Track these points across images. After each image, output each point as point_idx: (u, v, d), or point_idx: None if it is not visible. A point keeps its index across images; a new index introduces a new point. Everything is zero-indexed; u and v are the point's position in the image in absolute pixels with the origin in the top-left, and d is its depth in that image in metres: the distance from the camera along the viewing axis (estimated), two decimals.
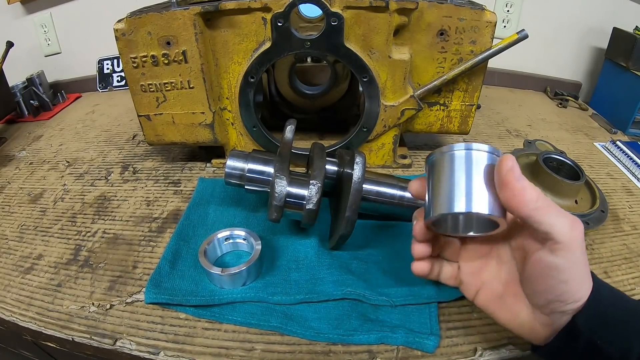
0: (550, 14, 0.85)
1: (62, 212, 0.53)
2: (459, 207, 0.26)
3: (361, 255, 0.43)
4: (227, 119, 0.55)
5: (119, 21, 0.47)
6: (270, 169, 0.43)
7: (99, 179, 0.60)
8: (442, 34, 0.49)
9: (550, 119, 0.79)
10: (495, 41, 0.49)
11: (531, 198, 0.24)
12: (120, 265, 0.44)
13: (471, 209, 0.26)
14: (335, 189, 0.46)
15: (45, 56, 1.00)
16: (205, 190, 0.54)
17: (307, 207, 0.39)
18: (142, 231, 0.48)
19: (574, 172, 0.50)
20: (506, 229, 0.28)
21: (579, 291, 0.26)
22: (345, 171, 0.41)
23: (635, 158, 0.62)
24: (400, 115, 0.53)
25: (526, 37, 0.48)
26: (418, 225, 0.31)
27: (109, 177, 0.60)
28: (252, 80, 0.50)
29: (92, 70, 0.99)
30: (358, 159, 0.38)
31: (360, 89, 0.54)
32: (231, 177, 0.43)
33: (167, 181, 0.58)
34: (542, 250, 0.26)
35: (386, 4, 0.44)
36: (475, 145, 0.26)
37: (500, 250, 0.31)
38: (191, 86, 0.50)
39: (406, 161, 0.59)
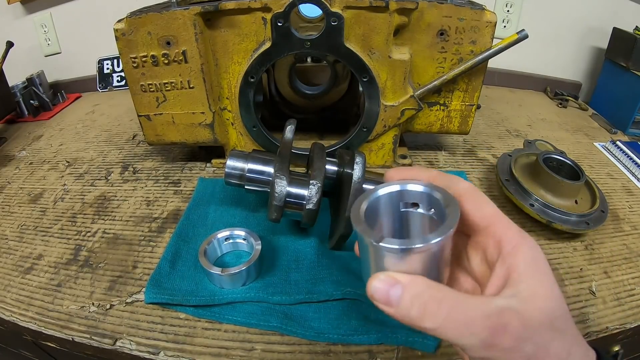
0: (550, 14, 0.85)
1: (62, 212, 0.53)
2: None
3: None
4: (227, 119, 0.55)
5: (119, 21, 0.47)
6: (270, 169, 0.43)
7: (99, 179, 0.60)
8: (442, 34, 0.49)
9: (550, 119, 0.79)
10: (495, 41, 0.49)
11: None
12: (120, 265, 0.44)
13: None
14: (335, 189, 0.46)
15: (45, 56, 1.00)
16: (205, 190, 0.54)
17: (307, 207, 0.39)
18: (142, 231, 0.48)
19: (574, 172, 0.50)
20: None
21: None
22: (345, 171, 0.41)
23: (635, 158, 0.62)
24: (400, 115, 0.53)
25: (526, 37, 0.48)
26: None
27: (109, 177, 0.60)
28: (252, 80, 0.50)
29: (92, 70, 0.99)
30: (358, 159, 0.38)
31: (360, 89, 0.54)
32: (231, 177, 0.43)
33: (167, 181, 0.58)
34: None
35: (386, 4, 0.44)
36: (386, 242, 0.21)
37: None
38: (191, 86, 0.50)
39: (406, 161, 0.59)
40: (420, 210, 0.25)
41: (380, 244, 0.21)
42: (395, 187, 0.25)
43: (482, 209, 0.23)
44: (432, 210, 0.24)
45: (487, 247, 0.23)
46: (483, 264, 0.24)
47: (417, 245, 0.20)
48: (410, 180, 0.25)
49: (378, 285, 0.21)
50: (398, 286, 0.20)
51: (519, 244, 0.21)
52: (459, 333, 0.19)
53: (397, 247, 0.20)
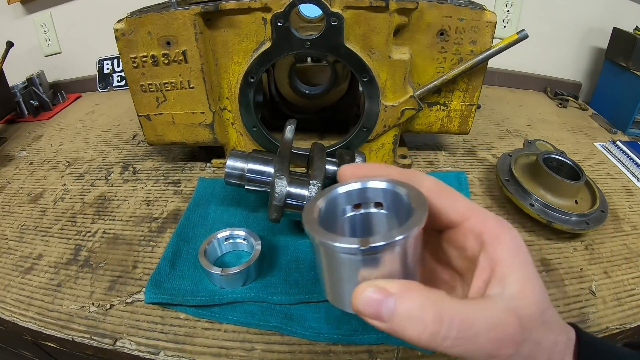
0: (550, 14, 0.85)
1: (62, 212, 0.53)
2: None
3: None
4: (227, 119, 0.55)
5: (119, 21, 0.47)
6: (270, 169, 0.43)
7: (99, 179, 0.60)
8: (442, 34, 0.49)
9: (550, 119, 0.79)
10: (495, 41, 0.49)
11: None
12: (120, 265, 0.44)
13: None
14: None
15: (45, 56, 1.00)
16: (205, 190, 0.54)
17: None
18: (142, 231, 0.48)
19: (574, 172, 0.50)
20: None
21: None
22: None
23: (635, 158, 0.62)
24: (400, 115, 0.53)
25: (526, 37, 0.48)
26: None
27: (109, 177, 0.60)
28: (252, 80, 0.50)
29: (92, 70, 0.99)
30: (358, 159, 0.38)
31: (360, 89, 0.54)
32: (231, 177, 0.43)
33: (167, 181, 0.58)
34: None
35: (386, 4, 0.44)
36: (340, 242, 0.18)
37: None
38: (191, 86, 0.50)
39: (406, 161, 0.59)
40: (383, 210, 0.23)
41: (341, 245, 0.18)
42: (355, 186, 0.22)
43: (454, 204, 0.22)
44: (398, 208, 0.22)
45: (465, 242, 0.21)
46: (462, 259, 0.22)
47: (386, 242, 0.18)
48: (370, 177, 0.22)
49: (368, 297, 0.18)
50: (391, 299, 0.18)
51: (500, 234, 0.20)
52: (464, 349, 0.18)
53: (370, 246, 0.17)
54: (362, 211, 0.23)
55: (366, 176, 0.22)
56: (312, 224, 0.20)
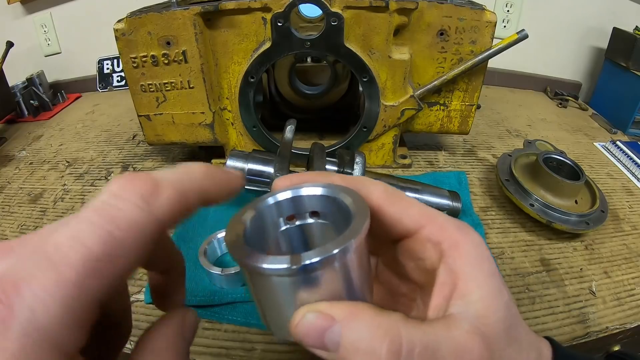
0: (550, 14, 0.85)
1: (62, 212, 0.53)
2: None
3: None
4: (227, 119, 0.55)
5: (119, 21, 0.47)
6: (270, 169, 0.43)
7: (99, 179, 0.60)
8: (442, 34, 0.49)
9: (550, 119, 0.79)
10: (495, 41, 0.49)
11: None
12: None
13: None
14: None
15: (45, 56, 1.00)
16: None
17: None
18: None
19: (574, 172, 0.50)
20: None
21: None
22: (345, 171, 0.41)
23: (635, 158, 0.62)
24: (400, 115, 0.53)
25: (526, 37, 0.48)
26: None
27: (109, 177, 0.60)
28: (252, 80, 0.50)
29: (92, 70, 0.99)
30: (358, 159, 0.38)
31: (360, 89, 0.54)
32: None
33: None
34: None
35: (386, 4, 0.44)
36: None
37: None
38: (191, 86, 0.50)
39: (406, 161, 0.59)
40: (321, 220, 0.19)
41: (268, 266, 0.15)
42: (286, 194, 0.19)
43: (407, 210, 0.19)
44: (337, 217, 0.18)
45: (423, 253, 0.19)
46: (420, 270, 0.20)
47: (322, 257, 0.14)
48: (304, 183, 0.19)
49: (309, 324, 0.15)
50: (336, 326, 0.15)
51: (459, 242, 0.18)
52: None
53: (300, 265, 0.14)
54: (297, 223, 0.20)
55: (300, 184, 0.19)
56: (235, 244, 0.16)
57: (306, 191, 0.18)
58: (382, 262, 0.22)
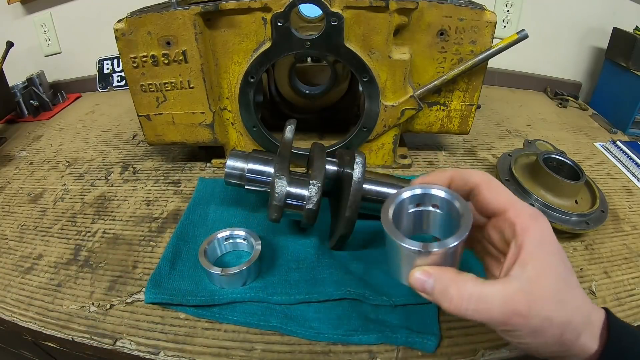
0: (550, 14, 0.85)
1: (62, 212, 0.53)
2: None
3: (361, 255, 0.43)
4: (227, 119, 0.55)
5: (119, 21, 0.47)
6: (270, 169, 0.43)
7: (99, 179, 0.60)
8: (442, 34, 0.49)
9: (550, 119, 0.79)
10: (495, 41, 0.49)
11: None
12: (120, 265, 0.44)
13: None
14: (335, 189, 0.46)
15: (45, 56, 1.00)
16: (205, 190, 0.54)
17: (307, 207, 0.39)
18: (142, 231, 0.48)
19: (574, 172, 0.50)
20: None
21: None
22: (345, 171, 0.41)
23: (635, 158, 0.62)
24: (400, 115, 0.53)
25: (526, 37, 0.48)
26: None
27: (109, 177, 0.60)
28: (252, 80, 0.50)
29: (92, 70, 0.99)
30: (358, 159, 0.38)
31: (360, 89, 0.54)
32: (231, 177, 0.43)
33: (167, 181, 0.58)
34: None
35: (386, 4, 0.44)
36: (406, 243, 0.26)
37: None
38: (191, 86, 0.50)
39: (406, 161, 0.59)
40: (439, 210, 0.30)
41: (412, 248, 0.25)
42: (417, 190, 0.29)
43: (497, 196, 0.27)
44: (450, 211, 0.28)
45: (504, 229, 0.26)
46: (502, 241, 0.27)
47: (443, 248, 0.25)
48: (433, 184, 0.29)
49: (417, 276, 0.25)
50: (430, 279, 0.25)
51: (528, 226, 0.25)
52: (481, 318, 0.24)
53: (424, 250, 0.25)
54: (421, 209, 0.30)
55: (432, 182, 0.29)
56: (388, 223, 0.27)
57: (434, 191, 0.29)
58: (481, 230, 0.29)
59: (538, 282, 0.23)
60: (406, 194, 0.29)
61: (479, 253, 0.31)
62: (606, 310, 0.26)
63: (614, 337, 0.24)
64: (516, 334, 0.24)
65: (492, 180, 0.27)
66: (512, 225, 0.25)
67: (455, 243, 0.25)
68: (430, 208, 0.30)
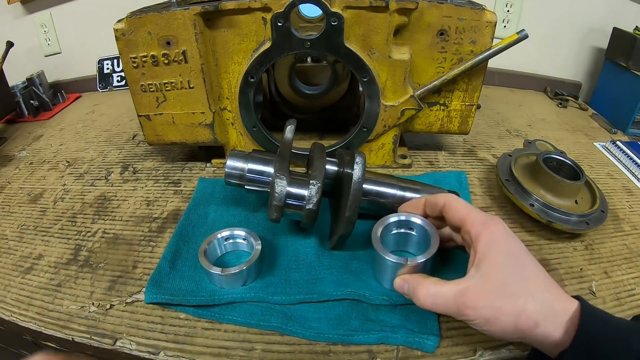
0: (551, 14, 0.85)
1: (62, 212, 0.53)
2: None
3: (361, 255, 0.43)
4: (227, 119, 0.55)
5: (119, 21, 0.47)
6: (270, 169, 0.43)
7: (99, 179, 0.60)
8: (442, 34, 0.49)
9: (550, 119, 0.79)
10: (495, 41, 0.49)
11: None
12: (120, 265, 0.44)
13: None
14: (335, 189, 0.46)
15: (45, 56, 1.00)
16: (205, 190, 0.54)
17: (307, 207, 0.39)
18: (142, 231, 0.48)
19: (574, 172, 0.50)
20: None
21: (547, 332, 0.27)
22: (345, 171, 0.41)
23: (635, 158, 0.62)
24: (400, 115, 0.53)
25: (526, 37, 0.48)
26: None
27: (109, 177, 0.60)
28: (252, 80, 0.50)
29: (92, 70, 0.99)
30: (358, 159, 0.38)
31: (360, 89, 0.54)
32: (231, 177, 0.43)
33: (167, 181, 0.58)
34: None
35: (386, 4, 0.44)
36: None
37: None
38: (191, 86, 0.50)
39: (406, 161, 0.59)
40: (414, 233, 0.40)
41: (394, 261, 0.35)
42: (401, 217, 0.40)
43: (456, 213, 0.33)
44: (423, 234, 0.39)
45: (466, 238, 0.33)
46: (468, 247, 0.33)
47: (415, 262, 0.35)
48: (412, 214, 0.39)
49: (398, 282, 0.34)
50: (406, 284, 0.34)
51: (480, 232, 0.30)
52: (443, 310, 0.30)
53: (403, 262, 0.35)
54: (402, 231, 0.41)
55: (411, 211, 0.40)
56: (377, 241, 0.37)
57: (413, 219, 0.39)
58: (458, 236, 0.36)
59: (488, 278, 0.28)
60: (392, 219, 0.39)
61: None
62: (579, 299, 0.28)
63: (583, 324, 0.25)
64: (474, 323, 0.29)
65: (453, 200, 0.34)
66: (468, 233, 0.31)
67: (425, 259, 0.35)
68: (409, 231, 0.40)
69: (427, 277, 0.32)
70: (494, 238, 0.30)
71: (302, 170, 0.49)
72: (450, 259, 0.41)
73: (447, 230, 0.39)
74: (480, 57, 0.49)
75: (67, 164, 0.65)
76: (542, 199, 0.47)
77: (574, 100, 0.86)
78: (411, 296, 0.32)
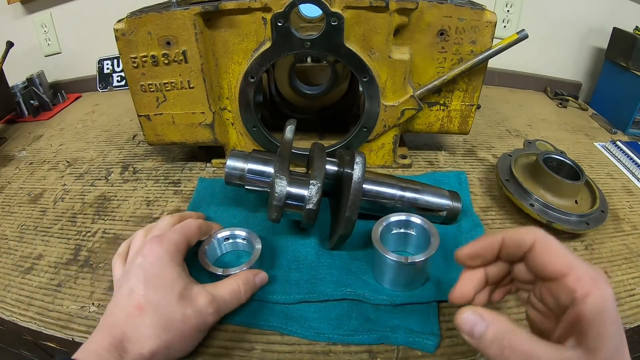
0: (550, 14, 0.85)
1: (62, 212, 0.53)
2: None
3: (361, 255, 0.43)
4: (227, 119, 0.55)
5: (119, 21, 0.47)
6: (270, 169, 0.43)
7: (99, 179, 0.60)
8: (442, 34, 0.49)
9: (550, 119, 0.79)
10: (495, 41, 0.49)
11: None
12: None
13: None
14: (335, 189, 0.46)
15: (45, 56, 1.00)
16: (205, 190, 0.54)
17: (307, 207, 0.39)
18: None
19: (574, 172, 0.50)
20: None
21: None
22: (345, 171, 0.41)
23: (635, 158, 0.62)
24: (400, 115, 0.53)
25: (526, 37, 0.48)
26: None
27: (109, 177, 0.60)
28: (252, 80, 0.50)
29: (92, 70, 0.99)
30: (358, 159, 0.38)
31: (360, 89, 0.54)
32: (231, 177, 0.43)
33: (167, 181, 0.58)
34: None
35: (386, 4, 0.44)
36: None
37: None
38: (191, 86, 0.50)
39: (406, 161, 0.59)
40: (414, 233, 0.41)
41: (394, 259, 0.36)
42: (401, 217, 0.40)
43: (555, 259, 0.25)
44: (423, 234, 0.40)
45: (559, 294, 0.24)
46: (556, 305, 0.25)
47: (415, 261, 0.35)
48: (411, 215, 0.40)
49: (467, 317, 0.24)
50: (484, 324, 0.23)
51: (589, 293, 0.22)
52: None
53: (404, 261, 0.35)
54: (402, 231, 0.41)
55: (482, 250, 0.29)
56: (377, 240, 0.38)
57: (413, 219, 0.40)
58: (534, 288, 0.28)
59: (595, 353, 0.22)
60: (392, 219, 0.40)
61: (522, 299, 0.30)
62: None
63: None
64: None
65: (547, 240, 0.26)
66: (571, 292, 0.23)
67: (425, 258, 0.35)
68: (409, 231, 0.41)
69: (515, 323, 0.24)
70: (606, 304, 0.22)
71: (302, 170, 0.49)
72: (450, 258, 0.41)
73: (499, 269, 0.30)
74: (480, 57, 0.49)
75: (67, 164, 0.65)
76: (542, 199, 0.47)
77: (574, 100, 0.86)
78: (487, 343, 0.23)
